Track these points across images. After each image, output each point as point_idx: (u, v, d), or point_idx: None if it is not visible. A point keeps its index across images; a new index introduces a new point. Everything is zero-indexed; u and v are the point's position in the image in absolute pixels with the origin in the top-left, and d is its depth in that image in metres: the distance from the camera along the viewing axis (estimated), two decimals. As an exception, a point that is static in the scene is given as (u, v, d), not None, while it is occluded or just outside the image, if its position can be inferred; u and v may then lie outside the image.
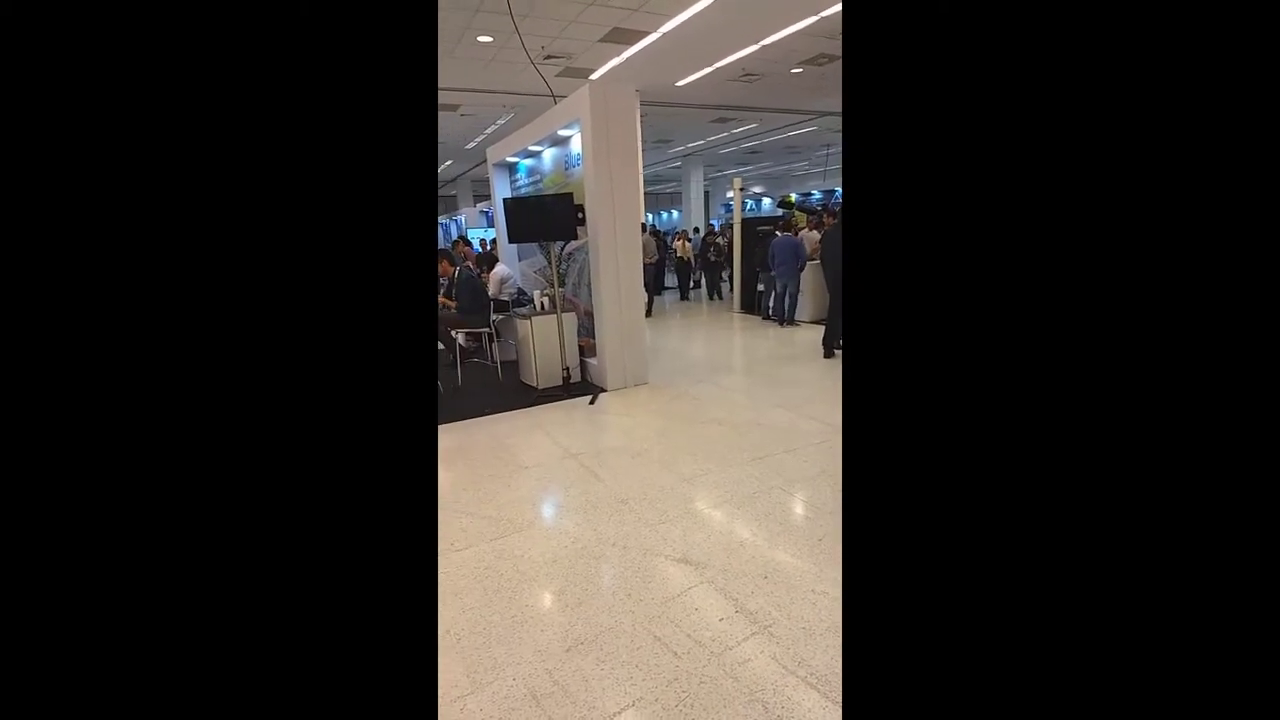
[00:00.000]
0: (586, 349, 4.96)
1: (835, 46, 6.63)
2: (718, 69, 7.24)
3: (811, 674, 1.61)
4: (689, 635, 1.79)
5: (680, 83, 7.76)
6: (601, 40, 6.05)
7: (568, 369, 4.63)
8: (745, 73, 7.47)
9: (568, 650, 1.76)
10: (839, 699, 1.52)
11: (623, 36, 5.98)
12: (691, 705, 1.53)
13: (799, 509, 2.59)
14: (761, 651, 1.71)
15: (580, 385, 4.70)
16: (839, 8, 5.51)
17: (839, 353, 5.32)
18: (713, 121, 10.75)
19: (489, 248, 7.93)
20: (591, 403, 4.35)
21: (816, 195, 16.48)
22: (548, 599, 2.03)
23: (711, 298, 10.27)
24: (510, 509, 2.71)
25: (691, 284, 11.22)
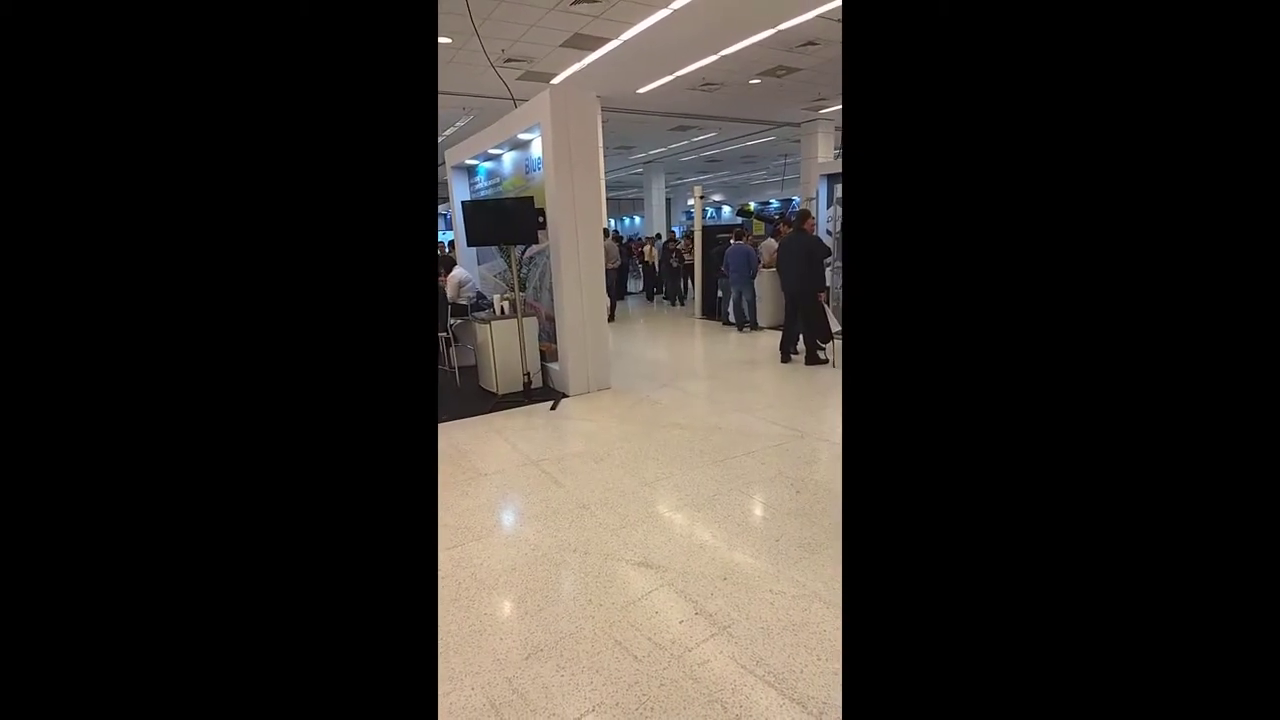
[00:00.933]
0: (548, 354, 4.93)
1: (793, 59, 6.81)
2: (678, 77, 7.33)
3: (769, 673, 1.63)
4: (649, 639, 1.80)
5: (641, 90, 7.83)
6: (563, 45, 6.05)
7: (529, 374, 4.58)
8: (705, 82, 7.58)
9: (527, 658, 1.74)
10: (796, 696, 1.55)
11: (584, 42, 6.00)
12: (652, 708, 1.53)
13: (758, 510, 2.63)
14: (720, 652, 1.72)
15: (542, 391, 4.66)
16: (796, 21, 5.66)
17: (795, 357, 5.44)
18: (673, 129, 10.86)
19: (447, 250, 7.80)
20: (553, 408, 4.32)
21: (774, 204, 16.82)
22: (507, 607, 2.01)
23: (673, 303, 10.36)
24: (468, 517, 2.67)
25: (655, 289, 11.29)
